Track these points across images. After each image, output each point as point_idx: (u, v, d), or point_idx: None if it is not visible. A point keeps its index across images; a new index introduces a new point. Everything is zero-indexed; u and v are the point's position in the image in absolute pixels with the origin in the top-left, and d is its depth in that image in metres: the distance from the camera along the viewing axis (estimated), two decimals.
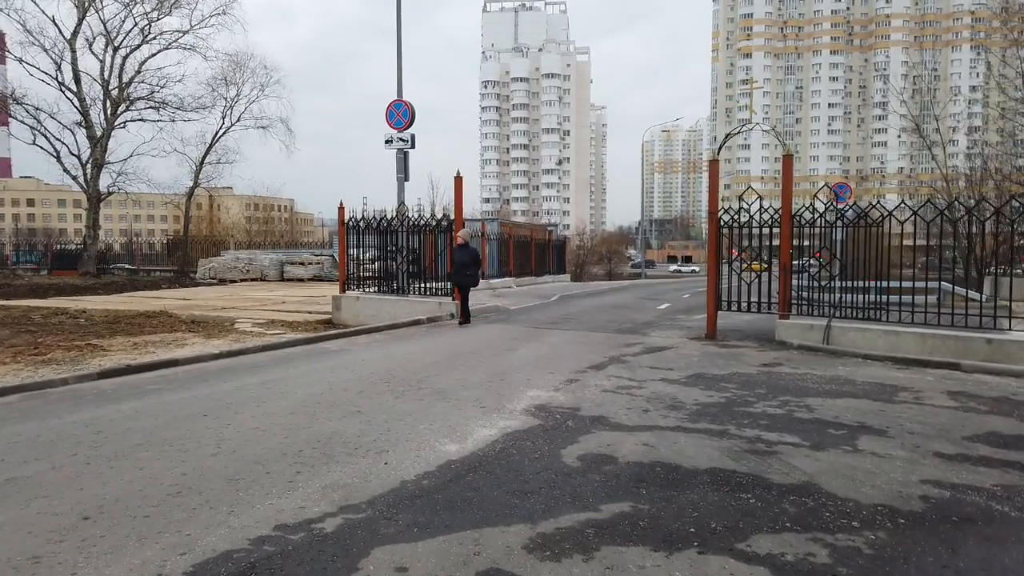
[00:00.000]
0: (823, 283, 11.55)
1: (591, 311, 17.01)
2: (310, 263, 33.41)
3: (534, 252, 28.76)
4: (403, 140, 19.37)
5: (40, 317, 15.53)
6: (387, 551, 3.78)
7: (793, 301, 11.71)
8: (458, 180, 16.05)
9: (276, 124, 43.23)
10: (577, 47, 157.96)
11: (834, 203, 12.78)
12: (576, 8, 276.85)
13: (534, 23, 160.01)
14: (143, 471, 5.09)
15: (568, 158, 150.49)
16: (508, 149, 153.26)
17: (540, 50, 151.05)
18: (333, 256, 32.86)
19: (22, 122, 36.87)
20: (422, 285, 16.23)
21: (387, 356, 10.45)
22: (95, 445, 5.74)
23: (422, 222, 16.50)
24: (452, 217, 16.02)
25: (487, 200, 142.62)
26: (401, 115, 19.26)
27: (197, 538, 3.92)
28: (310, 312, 17.23)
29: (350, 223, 16.67)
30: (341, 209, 16.99)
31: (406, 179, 19.92)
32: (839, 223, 11.54)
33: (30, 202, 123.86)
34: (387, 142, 19.47)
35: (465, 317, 14.27)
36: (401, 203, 18.63)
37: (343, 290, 16.44)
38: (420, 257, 16.81)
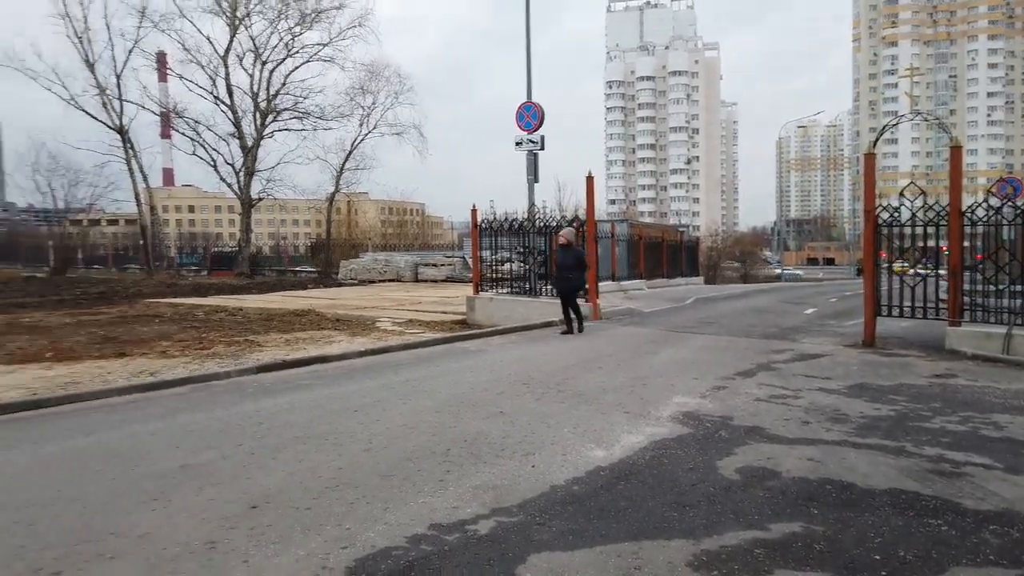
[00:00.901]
0: (999, 287, 10.43)
1: (731, 315, 16.32)
2: (443, 264, 34.29)
3: (665, 253, 28.07)
4: (533, 141, 19.41)
5: (203, 314, 16.77)
6: (544, 559, 3.67)
7: (965, 307, 10.66)
8: (589, 180, 15.87)
9: (410, 130, 44.75)
10: (705, 43, 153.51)
11: (1011, 198, 11.53)
12: (704, 3, 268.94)
13: (660, 20, 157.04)
14: (302, 463, 5.27)
15: (697, 157, 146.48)
16: (634, 150, 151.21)
17: (667, 48, 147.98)
18: (464, 258, 33.58)
19: (183, 134, 40.29)
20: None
21: (523, 358, 10.43)
22: (258, 436, 6.03)
23: (553, 223, 16.44)
24: (583, 218, 15.86)
25: (613, 202, 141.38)
26: (531, 116, 19.31)
27: (356, 533, 3.98)
28: (444, 312, 17.59)
29: (482, 225, 16.88)
30: (474, 212, 17.24)
31: (536, 180, 19.94)
32: (1020, 220, 10.37)
33: (191, 208, 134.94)
34: (517, 144, 19.58)
35: (569, 327, 12.72)
36: (531, 204, 18.68)
37: (476, 291, 16.67)
38: (549, 259, 16.77)
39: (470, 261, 21.85)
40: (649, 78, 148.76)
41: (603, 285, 17.24)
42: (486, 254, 17.16)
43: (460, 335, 12.98)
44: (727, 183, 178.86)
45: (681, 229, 36.28)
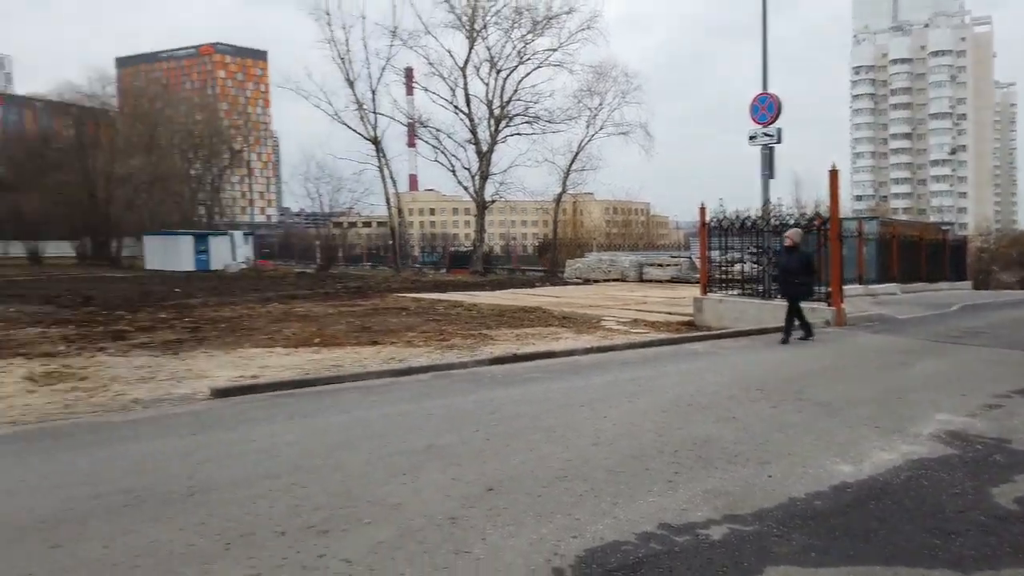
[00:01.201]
0: None
1: (1006, 324, 14.22)
2: (668, 264, 33.71)
3: (924, 254, 25.13)
4: (768, 135, 18.37)
5: (443, 309, 18.07)
6: (782, 572, 3.46)
7: None
8: (833, 174, 14.65)
9: (636, 129, 44.53)
10: (974, 17, 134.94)
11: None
12: None
13: None
14: (533, 453, 5.46)
15: (964, 146, 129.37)
16: (885, 140, 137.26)
17: (926, 26, 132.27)
18: (691, 258, 32.72)
19: (426, 142, 43.65)
20: None
21: (757, 362, 9.92)
22: (492, 424, 6.36)
23: (791, 221, 15.42)
24: (825, 215, 14.69)
25: (859, 197, 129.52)
26: (766, 109, 18.29)
27: (585, 524, 4.04)
28: (670, 313, 17.28)
29: (711, 224, 16.31)
30: (702, 210, 16.72)
31: (771, 176, 18.85)
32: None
33: (431, 211, 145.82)
34: (751, 138, 18.65)
35: (787, 335, 11.55)
36: (766, 202, 17.70)
37: (704, 292, 16.16)
38: None
39: (697, 261, 21.25)
40: (905, 60, 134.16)
41: (848, 289, 15.84)
42: (715, 254, 16.57)
43: (687, 336, 12.67)
44: (1002, 175, 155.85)
45: (944, 227, 32.25)
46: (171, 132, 61.14)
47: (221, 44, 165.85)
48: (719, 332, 13.06)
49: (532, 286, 30.84)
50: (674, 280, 32.18)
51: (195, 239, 43.80)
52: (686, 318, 15.89)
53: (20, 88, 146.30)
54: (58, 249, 54.00)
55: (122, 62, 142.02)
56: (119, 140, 53.67)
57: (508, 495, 4.51)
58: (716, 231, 16.19)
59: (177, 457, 5.39)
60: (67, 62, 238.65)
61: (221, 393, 7.67)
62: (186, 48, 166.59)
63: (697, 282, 18.57)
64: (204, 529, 3.97)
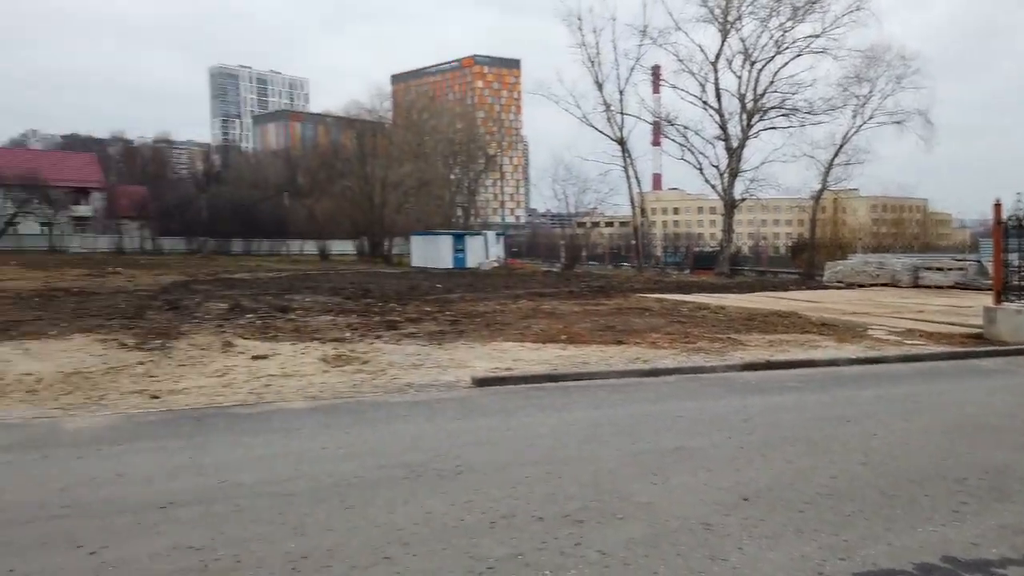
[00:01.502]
0: None
1: None
2: (951, 268, 29.79)
3: None
4: None
5: (687, 311, 17.71)
6: None
7: None
8: None
9: (913, 117, 39.86)
10: None
11: None
12: None
13: None
14: (791, 465, 5.17)
15: None
16: None
17: None
18: (979, 262, 28.62)
19: (673, 140, 42.92)
20: None
21: None
22: (745, 432, 6.13)
23: None
24: None
25: None
26: None
27: (854, 546, 3.75)
28: (952, 324, 15.27)
29: (1008, 223, 14.11)
30: (997, 207, 14.51)
31: None
32: None
33: (675, 210, 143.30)
34: None
35: None
36: None
37: (998, 301, 14.04)
38: None
39: (988, 265, 18.52)
40: None
41: None
42: (1013, 257, 14.32)
43: (976, 351, 11.13)
44: None
45: None
46: (435, 140, 66.79)
47: (480, 55, 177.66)
48: (1016, 347, 11.30)
49: (785, 289, 29.03)
50: (958, 286, 28.37)
51: (454, 239, 47.40)
52: (973, 330, 13.94)
53: (315, 107, 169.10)
54: (341, 247, 61.63)
55: (396, 78, 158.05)
56: (393, 149, 59.83)
57: (765, 506, 4.33)
58: (1015, 231, 13.99)
59: (446, 438, 5.92)
60: (355, 80, 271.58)
61: (481, 382, 8.26)
62: (450, 62, 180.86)
63: (988, 289, 16.21)
64: (471, 506, 4.32)
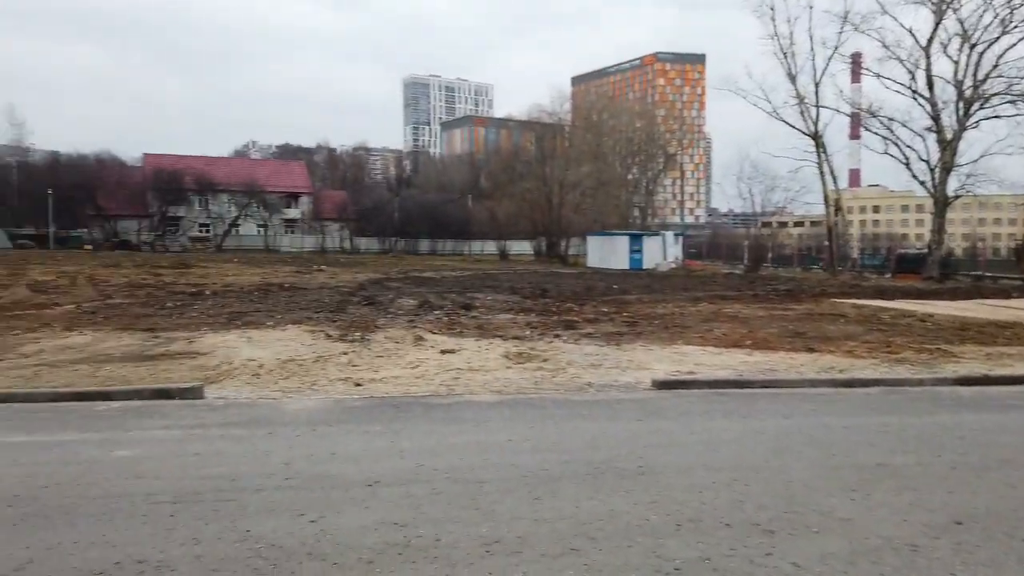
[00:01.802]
0: None
1: None
2: None
3: None
4: None
5: (888, 318, 16.32)
6: None
7: None
8: None
9: None
10: None
11: None
12: None
13: None
14: (1014, 490, 4.66)
15: None
16: None
17: None
18: None
19: (875, 134, 39.59)
20: None
21: None
22: (959, 451, 5.59)
23: None
24: None
25: None
26: None
27: None
28: None
29: None
30: None
31: None
32: None
33: (875, 208, 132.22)
34: None
35: None
36: None
37: None
38: None
39: None
40: None
41: None
42: None
43: None
44: None
45: None
46: (614, 141, 66.69)
47: (662, 53, 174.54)
48: None
49: (1007, 296, 25.86)
50: None
51: (630, 239, 47.03)
52: None
53: (499, 111, 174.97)
54: (519, 247, 63.32)
55: (576, 80, 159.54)
56: (571, 151, 60.53)
57: (982, 532, 3.95)
58: None
59: (627, 438, 5.95)
60: (537, 84, 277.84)
61: (661, 385, 8.19)
62: (631, 61, 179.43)
63: None
64: (655, 507, 4.33)
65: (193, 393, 7.47)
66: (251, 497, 4.48)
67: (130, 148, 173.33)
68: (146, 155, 77.92)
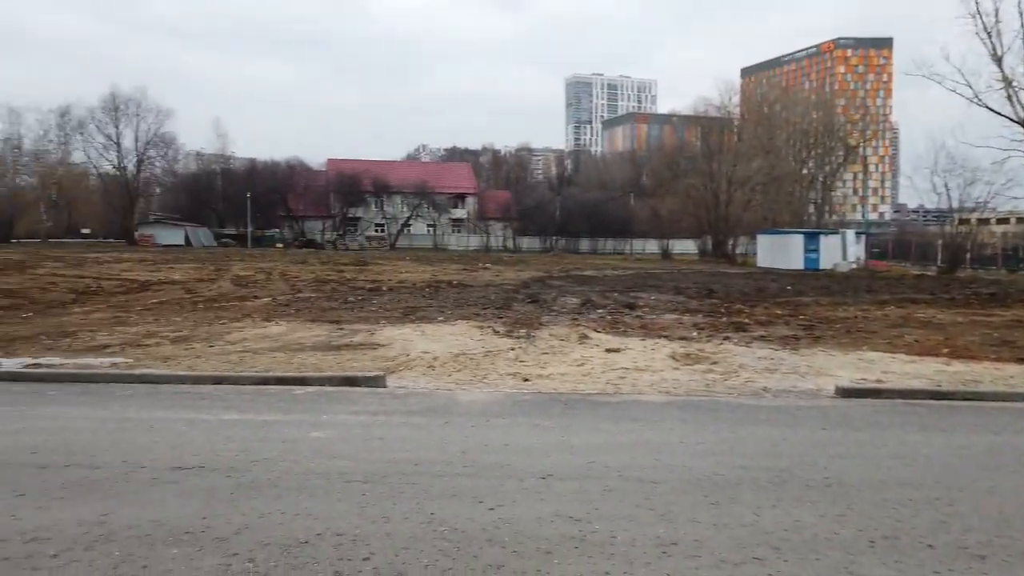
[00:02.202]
0: None
1: None
2: None
3: None
4: None
5: None
6: None
7: None
8: None
9: None
10: None
11: None
12: None
13: None
14: None
15: None
16: None
17: None
18: None
19: None
20: None
21: None
22: None
23: None
24: None
25: None
26: None
27: None
28: None
29: None
30: None
31: None
32: None
33: None
34: None
35: None
36: None
37: None
38: None
39: None
40: None
41: None
42: None
43: None
44: None
45: None
46: (787, 133, 63.20)
47: (843, 38, 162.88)
48: None
49: None
50: None
51: (805, 238, 44.34)
52: None
53: (662, 107, 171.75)
54: (683, 246, 61.72)
55: (745, 71, 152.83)
56: (740, 145, 58.12)
57: None
58: None
59: (810, 447, 5.63)
60: (702, 78, 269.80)
61: (846, 393, 7.66)
62: (806, 49, 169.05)
63: None
64: (844, 520, 4.06)
65: (376, 382, 7.98)
66: (433, 482, 4.71)
67: (315, 154, 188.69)
68: (329, 160, 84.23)
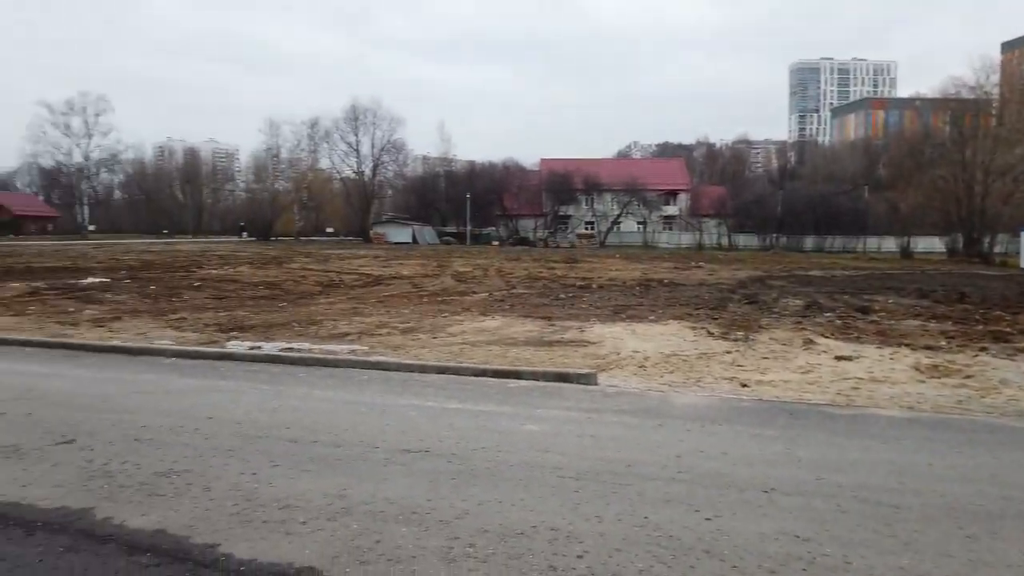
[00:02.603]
0: None
1: None
2: None
3: None
4: None
5: None
6: None
7: None
8: None
9: None
10: None
11: None
12: None
13: None
14: None
15: None
16: None
17: None
18: None
19: None
20: None
21: None
22: None
23: None
24: None
25: None
26: None
27: None
28: None
29: None
30: None
31: None
32: None
33: None
34: None
35: None
36: None
37: None
38: None
39: None
40: None
41: None
42: None
43: None
44: None
45: None
46: None
47: None
48: None
49: None
50: None
51: None
52: None
53: (902, 91, 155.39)
54: (926, 244, 55.36)
55: (1007, 46, 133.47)
56: (1000, 130, 50.83)
57: None
58: None
59: None
60: (953, 57, 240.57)
61: None
62: None
63: None
64: None
65: (588, 379, 8.00)
66: (646, 485, 4.60)
67: (528, 154, 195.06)
68: (542, 160, 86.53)
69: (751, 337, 11.20)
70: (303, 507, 4.18)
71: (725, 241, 70.54)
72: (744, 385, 7.95)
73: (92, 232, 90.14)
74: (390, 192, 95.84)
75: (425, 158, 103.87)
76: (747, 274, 27.58)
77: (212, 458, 5.10)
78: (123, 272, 23.95)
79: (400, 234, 75.01)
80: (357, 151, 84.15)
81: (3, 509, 4.12)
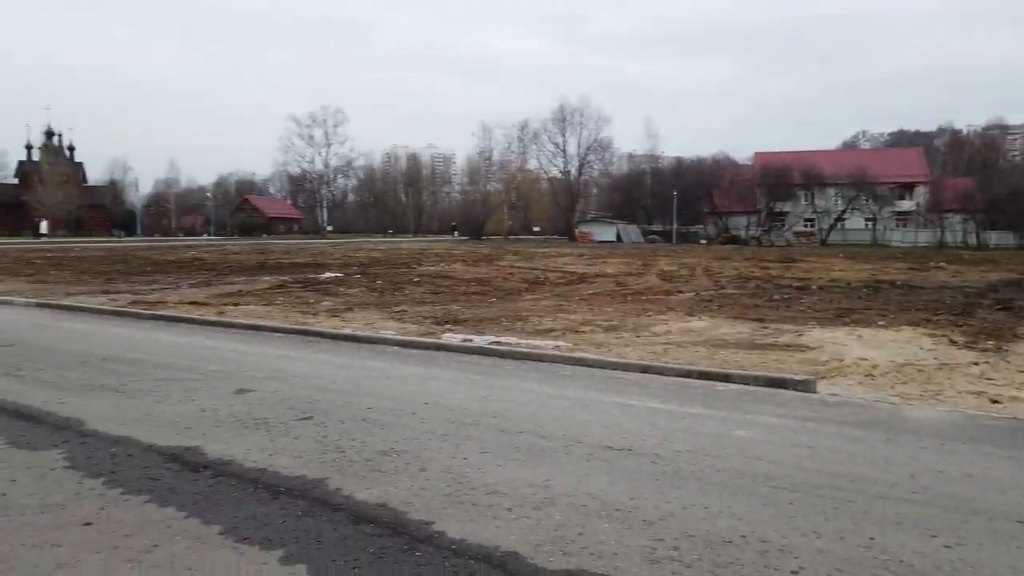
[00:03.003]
0: None
1: None
2: None
3: None
4: None
5: None
6: None
7: None
8: None
9: None
10: None
11: None
12: None
13: None
14: None
15: None
16: None
17: None
18: None
19: None
20: None
21: None
22: None
23: None
24: None
25: None
26: None
27: None
28: None
29: None
30: None
31: None
32: None
33: None
34: None
35: None
36: None
37: None
38: None
39: None
40: None
41: None
42: None
43: None
44: None
45: None
46: None
47: None
48: None
49: None
50: None
51: None
52: None
53: None
54: None
55: None
56: None
57: None
58: None
59: None
60: None
61: None
62: None
63: None
64: None
65: (805, 386, 7.46)
66: (872, 503, 4.19)
67: (741, 148, 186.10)
68: (756, 154, 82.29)
69: (1004, 347, 9.81)
70: (509, 494, 4.31)
71: (972, 239, 62.45)
72: (995, 401, 6.97)
73: (329, 232, 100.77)
74: (595, 191, 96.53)
75: (631, 155, 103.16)
76: (1000, 276, 24.19)
77: (428, 441, 5.43)
78: (354, 268, 26.38)
79: (604, 233, 75.22)
80: (564, 151, 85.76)
81: (254, 475, 4.69)
